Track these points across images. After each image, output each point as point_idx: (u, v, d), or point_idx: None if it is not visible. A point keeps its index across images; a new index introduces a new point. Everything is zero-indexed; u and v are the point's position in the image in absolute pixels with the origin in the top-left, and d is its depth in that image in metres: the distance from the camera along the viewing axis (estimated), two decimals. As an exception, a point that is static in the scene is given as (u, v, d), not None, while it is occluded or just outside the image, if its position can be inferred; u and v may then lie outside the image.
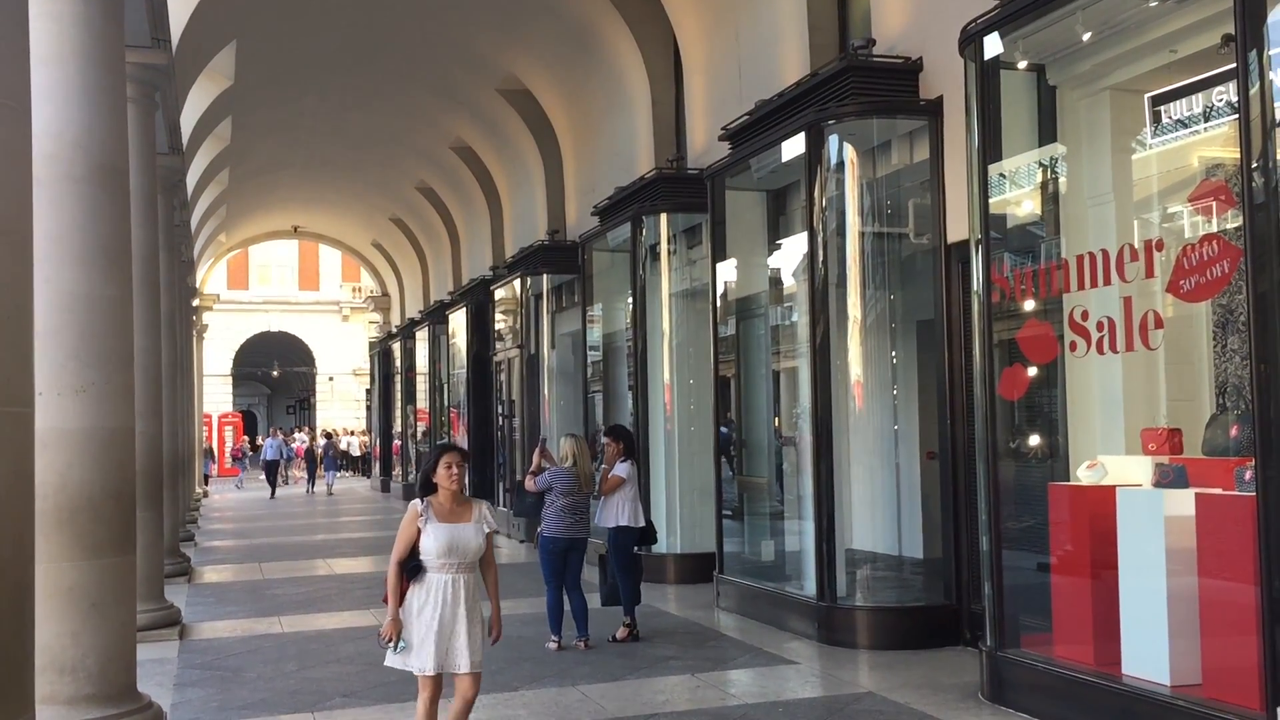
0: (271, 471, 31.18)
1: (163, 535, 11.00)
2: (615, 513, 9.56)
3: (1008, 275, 7.54)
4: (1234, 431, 6.23)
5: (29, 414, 3.31)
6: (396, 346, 32.51)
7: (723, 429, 12.05)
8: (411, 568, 5.49)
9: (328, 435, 38.23)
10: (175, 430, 14.59)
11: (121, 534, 6.61)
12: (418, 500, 5.57)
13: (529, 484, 9.36)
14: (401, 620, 5.49)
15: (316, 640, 9.82)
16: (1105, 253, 6.61)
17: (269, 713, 7.33)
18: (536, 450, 9.78)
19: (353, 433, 44.59)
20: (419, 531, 5.50)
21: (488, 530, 5.61)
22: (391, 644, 5.48)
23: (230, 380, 49.69)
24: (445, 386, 25.44)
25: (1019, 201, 8.10)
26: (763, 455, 12.30)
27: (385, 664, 5.65)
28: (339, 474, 35.31)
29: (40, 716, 3.95)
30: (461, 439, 23.22)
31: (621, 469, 9.60)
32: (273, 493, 30.54)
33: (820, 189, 9.57)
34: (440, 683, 5.60)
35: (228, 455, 42.72)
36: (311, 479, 34.34)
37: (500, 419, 20.28)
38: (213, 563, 15.72)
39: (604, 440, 10.08)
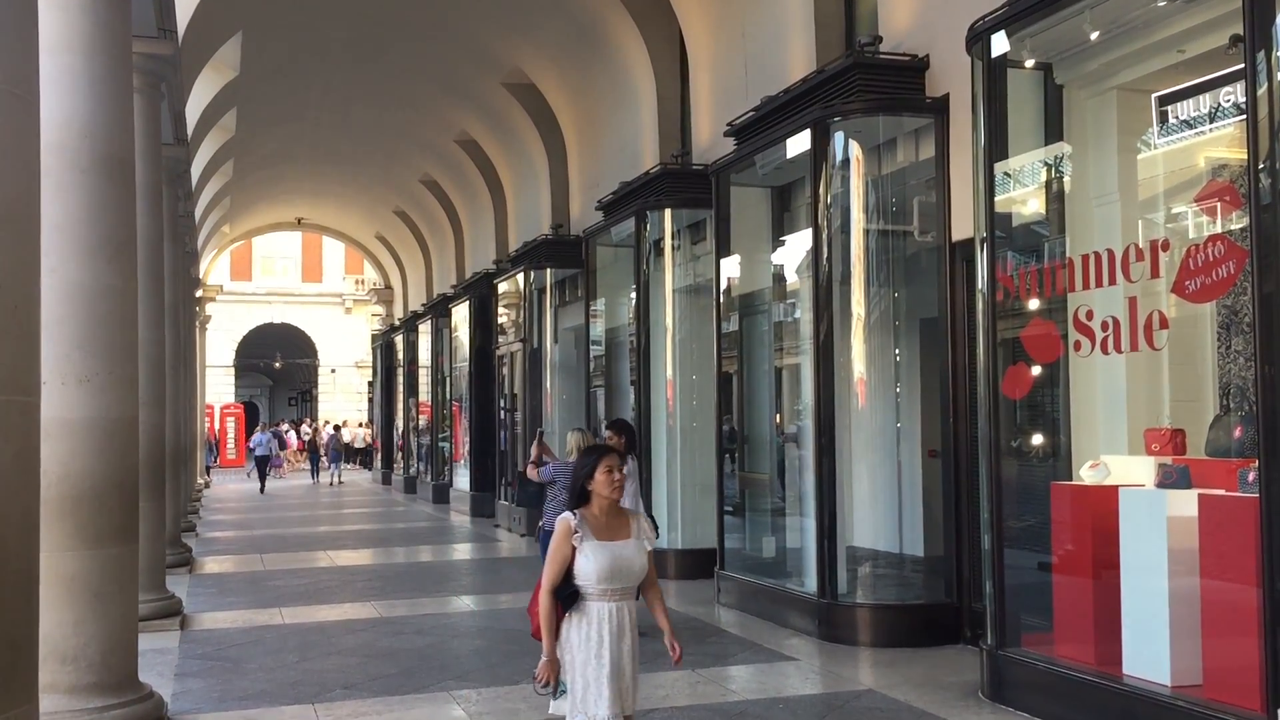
0: (261, 466, 30.43)
1: (164, 525, 11.01)
2: (618, 508, 9.56)
3: (1012, 274, 7.53)
4: (1237, 432, 6.23)
5: (35, 403, 3.31)
6: (399, 339, 32.53)
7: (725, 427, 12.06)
8: (568, 595, 4.56)
9: (336, 427, 38.41)
10: (178, 421, 14.60)
11: (124, 524, 6.61)
12: (570, 514, 4.63)
13: (531, 473, 9.41)
14: (559, 659, 4.58)
15: (317, 632, 9.84)
16: (1110, 252, 6.61)
17: (269, 704, 7.34)
18: (535, 443, 9.85)
19: (361, 424, 44.63)
20: (574, 551, 4.57)
21: (649, 548, 4.72)
22: (550, 689, 4.56)
23: (233, 371, 49.70)
24: (447, 380, 25.46)
25: (1024, 200, 8.09)
26: (764, 452, 12.30)
27: (550, 714, 4.76)
28: (343, 465, 35.59)
29: (42, 705, 3.96)
30: (463, 433, 23.24)
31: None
32: (262, 487, 29.67)
33: (825, 186, 9.57)
34: None
35: (229, 446, 42.82)
36: (315, 470, 34.56)
37: (502, 413, 20.29)
38: (214, 553, 15.75)
39: (606, 432, 10.09)
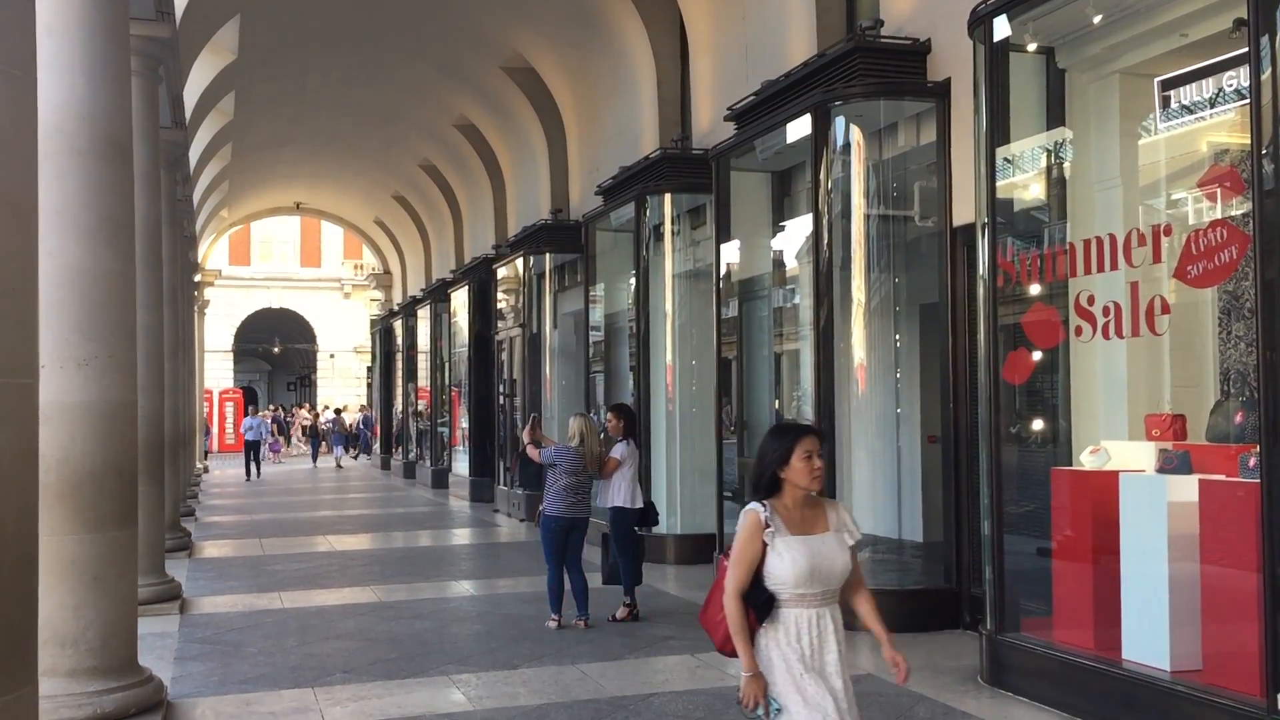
0: (252, 451, 29.46)
1: (164, 509, 11.01)
2: (613, 493, 9.59)
3: (1013, 259, 7.52)
4: (1238, 418, 6.22)
5: (33, 385, 3.29)
6: (398, 324, 32.52)
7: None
8: (763, 601, 3.90)
9: (337, 411, 38.62)
10: (177, 405, 14.59)
11: (123, 508, 6.60)
12: (758, 505, 3.94)
13: (532, 453, 9.43)
14: (764, 675, 3.89)
15: (317, 616, 9.85)
16: (1112, 237, 6.59)
17: (269, 687, 7.35)
18: (527, 427, 9.88)
19: (360, 409, 44.72)
20: (764, 549, 3.90)
21: (851, 543, 4.01)
22: (762, 711, 3.85)
23: (231, 356, 49.64)
24: (446, 365, 25.45)
25: (1026, 185, 8.06)
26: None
27: None
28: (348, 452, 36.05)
29: (41, 689, 3.95)
30: (462, 418, 23.25)
31: (618, 450, 9.62)
32: (256, 473, 28.81)
33: (826, 171, 9.54)
34: None
35: (228, 431, 42.89)
36: (315, 455, 34.80)
37: (501, 398, 20.29)
38: (213, 538, 15.76)
39: (606, 415, 10.09)
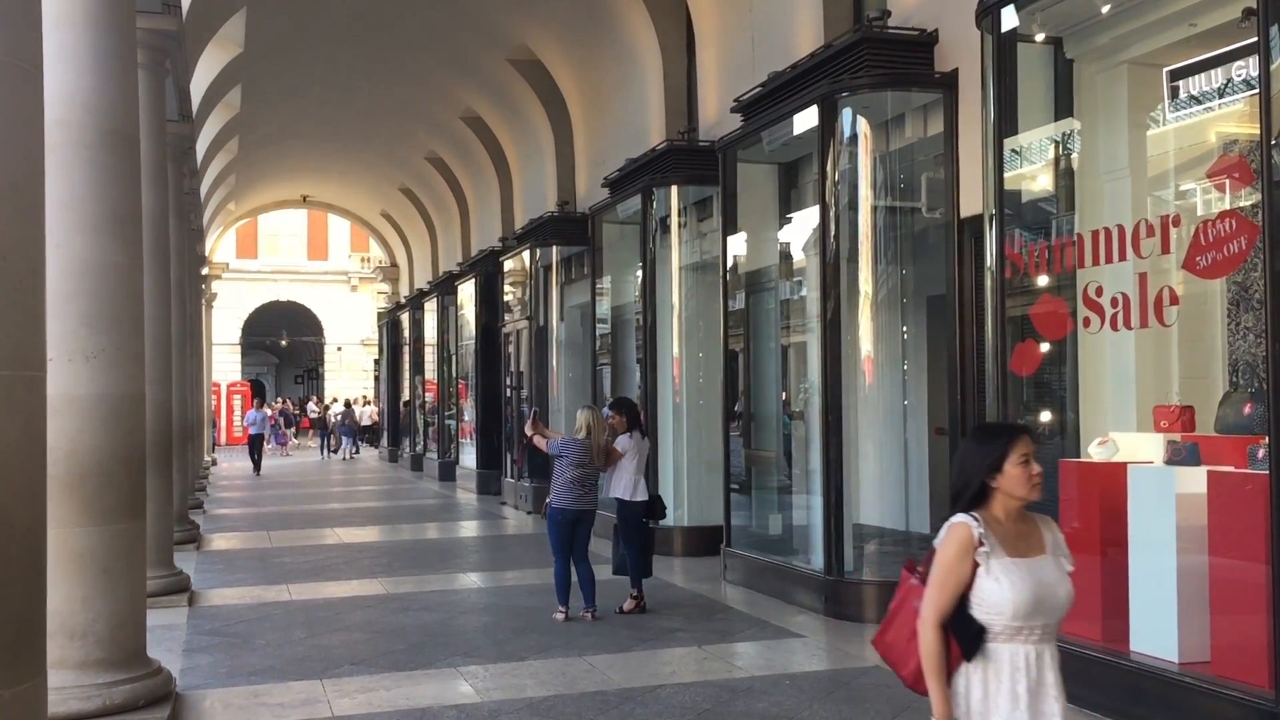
0: (255, 446, 28.75)
1: (172, 502, 11.04)
2: (613, 484, 9.60)
3: (1021, 250, 7.49)
4: (1247, 409, 6.20)
5: (41, 378, 3.30)
6: (405, 317, 32.55)
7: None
8: (973, 634, 3.28)
9: (348, 403, 38.80)
10: (185, 398, 14.62)
11: (131, 500, 6.62)
12: (968, 518, 3.32)
13: (539, 443, 9.45)
14: None
15: (325, 608, 9.87)
16: (1121, 228, 6.56)
17: (278, 679, 7.37)
18: (529, 423, 9.89)
19: (367, 402, 44.84)
20: (973, 571, 3.29)
21: (1070, 568, 3.43)
22: None
23: (239, 349, 49.74)
24: (453, 358, 25.47)
25: (1034, 176, 8.04)
26: (771, 429, 12.29)
27: None
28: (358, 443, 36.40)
29: (50, 681, 3.97)
30: (469, 410, 23.26)
31: (620, 442, 9.63)
32: (257, 469, 28.10)
33: (833, 162, 9.52)
34: None
35: (236, 423, 42.99)
36: (324, 447, 34.94)
37: (508, 391, 20.31)
38: (221, 530, 15.79)
39: (608, 412, 10.12)
